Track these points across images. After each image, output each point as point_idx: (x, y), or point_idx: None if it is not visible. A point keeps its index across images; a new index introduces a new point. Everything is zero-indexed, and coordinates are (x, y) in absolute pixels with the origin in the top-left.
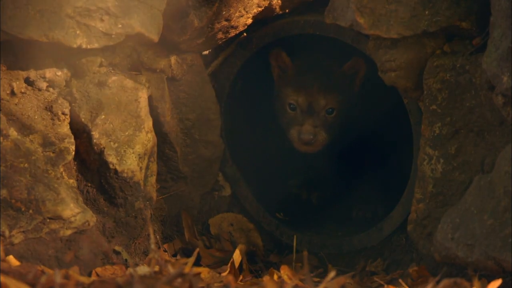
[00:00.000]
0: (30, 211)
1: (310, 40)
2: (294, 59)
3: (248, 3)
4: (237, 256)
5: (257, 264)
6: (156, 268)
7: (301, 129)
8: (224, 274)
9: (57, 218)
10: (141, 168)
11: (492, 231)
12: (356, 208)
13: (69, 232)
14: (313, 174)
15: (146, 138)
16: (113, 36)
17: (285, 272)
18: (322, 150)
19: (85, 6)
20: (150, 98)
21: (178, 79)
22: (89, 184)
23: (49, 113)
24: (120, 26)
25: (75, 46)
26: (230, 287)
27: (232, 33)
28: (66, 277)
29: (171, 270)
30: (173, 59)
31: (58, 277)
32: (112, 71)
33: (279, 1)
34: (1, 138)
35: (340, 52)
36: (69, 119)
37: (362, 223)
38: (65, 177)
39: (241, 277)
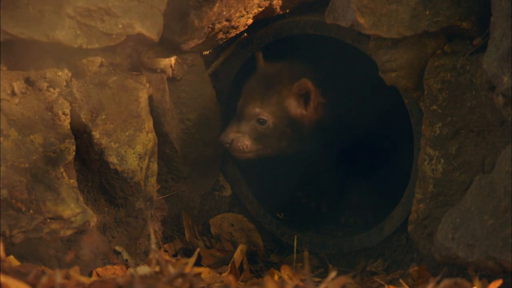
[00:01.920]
0: (31, 211)
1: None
2: (265, 64)
3: (249, 3)
4: (237, 256)
5: (257, 264)
6: (157, 268)
7: (223, 132)
8: (224, 274)
9: (58, 218)
10: (141, 168)
11: (493, 231)
12: (345, 215)
13: (69, 232)
14: (318, 181)
15: (146, 138)
16: (113, 36)
17: (285, 272)
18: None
19: (86, 6)
20: (150, 98)
21: (178, 79)
22: (90, 184)
23: (49, 113)
24: (120, 26)
25: (75, 46)
26: (230, 287)
27: (233, 33)
28: (67, 277)
29: (171, 270)
30: (173, 59)
31: (58, 277)
32: (112, 71)
33: (280, 1)
34: (2, 138)
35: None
36: (69, 119)
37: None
38: (66, 177)
39: (241, 277)
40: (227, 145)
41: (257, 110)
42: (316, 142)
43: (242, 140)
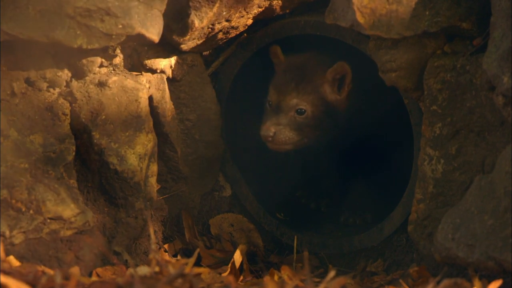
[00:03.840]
0: (31, 211)
1: (320, 40)
2: (288, 57)
3: (249, 3)
4: (237, 257)
5: (257, 264)
6: (157, 269)
7: (263, 126)
8: (224, 274)
9: (58, 218)
10: (141, 168)
11: (493, 231)
12: (344, 214)
13: (69, 232)
14: (318, 181)
15: (146, 138)
16: (113, 36)
17: (285, 272)
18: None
19: (86, 7)
20: (150, 99)
21: (178, 79)
22: (90, 185)
23: (49, 114)
24: (120, 26)
25: (75, 46)
26: (230, 287)
27: (233, 33)
28: (67, 277)
29: (171, 270)
30: (173, 59)
31: (58, 278)
32: (112, 71)
33: (280, 2)
34: (2, 138)
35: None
36: (69, 120)
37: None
38: (66, 177)
39: (241, 278)
40: (270, 138)
41: (295, 100)
42: (344, 132)
43: (284, 132)
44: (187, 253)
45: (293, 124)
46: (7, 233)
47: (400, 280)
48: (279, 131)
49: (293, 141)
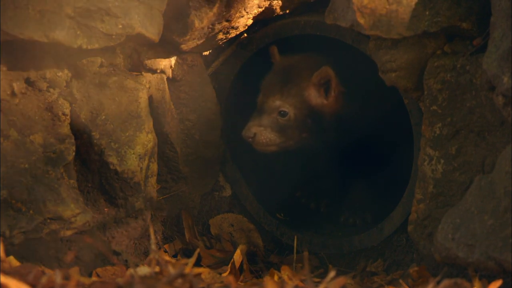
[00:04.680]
0: (31, 211)
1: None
2: (282, 58)
3: (249, 3)
4: (237, 257)
5: (257, 264)
6: (157, 269)
7: (245, 126)
8: (224, 274)
9: (58, 218)
10: (141, 168)
11: (493, 232)
12: (344, 214)
13: (69, 232)
14: (317, 181)
15: (146, 138)
16: (113, 36)
17: (285, 272)
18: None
19: (86, 7)
20: (150, 99)
21: (178, 79)
22: (90, 185)
23: (49, 114)
24: (120, 26)
25: (75, 46)
26: (230, 287)
27: (233, 33)
28: (67, 277)
29: (171, 270)
30: (173, 59)
31: (58, 278)
32: (112, 71)
33: (280, 2)
34: (2, 138)
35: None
36: (69, 120)
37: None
38: (66, 177)
39: (241, 278)
40: (250, 139)
41: (278, 102)
42: (335, 135)
43: (264, 133)
44: (187, 253)
45: (275, 126)
46: (7, 233)
47: (400, 280)
48: (259, 132)
49: (275, 143)
